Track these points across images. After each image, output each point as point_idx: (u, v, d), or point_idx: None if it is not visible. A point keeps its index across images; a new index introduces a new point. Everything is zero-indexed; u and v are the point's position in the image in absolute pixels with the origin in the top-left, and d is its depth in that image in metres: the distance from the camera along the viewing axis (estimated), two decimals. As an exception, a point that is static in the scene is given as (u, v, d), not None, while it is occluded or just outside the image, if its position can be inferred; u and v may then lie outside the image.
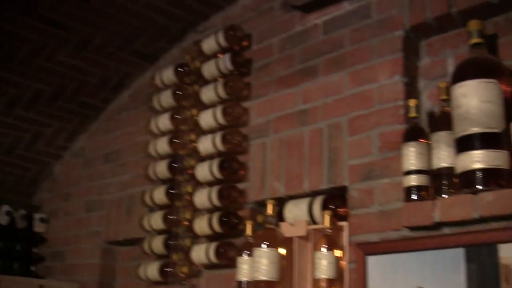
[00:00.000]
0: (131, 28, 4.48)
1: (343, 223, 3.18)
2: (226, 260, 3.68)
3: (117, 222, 4.75)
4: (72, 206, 5.31)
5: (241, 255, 3.42)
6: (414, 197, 2.83)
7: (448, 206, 2.67)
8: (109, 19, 4.36)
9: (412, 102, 2.98)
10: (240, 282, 3.38)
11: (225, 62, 3.98)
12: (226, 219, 3.71)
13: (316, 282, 3.10)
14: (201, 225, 3.81)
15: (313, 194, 3.40)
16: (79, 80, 4.89)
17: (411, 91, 3.13)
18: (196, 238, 3.95)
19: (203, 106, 4.10)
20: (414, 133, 2.91)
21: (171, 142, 4.25)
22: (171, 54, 4.74)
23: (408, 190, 2.85)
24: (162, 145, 4.30)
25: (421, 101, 3.12)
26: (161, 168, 4.26)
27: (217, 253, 3.69)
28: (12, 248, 5.35)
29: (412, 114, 2.96)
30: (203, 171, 3.90)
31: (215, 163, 3.83)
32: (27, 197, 5.72)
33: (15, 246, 5.37)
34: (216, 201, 3.76)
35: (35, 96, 4.93)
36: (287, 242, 3.33)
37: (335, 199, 3.29)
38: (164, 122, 4.34)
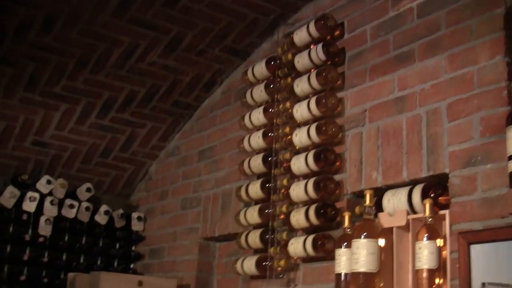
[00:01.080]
0: (221, 25, 4.48)
1: (444, 212, 3.09)
2: (324, 253, 3.63)
3: (213, 218, 4.76)
4: (168, 204, 5.37)
5: (339, 247, 3.37)
6: (519, 182, 2.72)
7: (556, 190, 2.57)
8: (199, 16, 4.37)
9: (515, 83, 2.87)
10: (339, 275, 3.34)
11: (317, 52, 3.92)
12: (323, 211, 3.64)
13: (417, 272, 3.03)
14: (297, 218, 3.76)
15: (412, 183, 3.31)
16: (171, 80, 4.93)
17: (514, 71, 3.01)
18: (292, 231, 3.91)
19: (297, 99, 4.06)
20: (518, 115, 2.80)
21: (265, 136, 4.23)
22: (263, 49, 4.72)
23: (513, 175, 2.75)
24: (257, 140, 4.28)
25: (525, 82, 2.99)
26: (256, 163, 4.24)
27: (315, 245, 3.63)
28: (112, 247, 5.48)
29: (516, 95, 2.85)
30: (298, 164, 3.86)
31: (310, 155, 3.78)
32: (125, 197, 5.82)
33: (114, 244, 5.51)
34: (312, 193, 3.71)
35: (129, 98, 5.01)
36: (386, 233, 3.27)
37: (435, 187, 3.19)
38: (257, 116, 4.32)
